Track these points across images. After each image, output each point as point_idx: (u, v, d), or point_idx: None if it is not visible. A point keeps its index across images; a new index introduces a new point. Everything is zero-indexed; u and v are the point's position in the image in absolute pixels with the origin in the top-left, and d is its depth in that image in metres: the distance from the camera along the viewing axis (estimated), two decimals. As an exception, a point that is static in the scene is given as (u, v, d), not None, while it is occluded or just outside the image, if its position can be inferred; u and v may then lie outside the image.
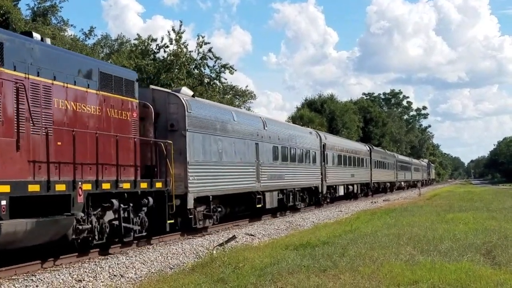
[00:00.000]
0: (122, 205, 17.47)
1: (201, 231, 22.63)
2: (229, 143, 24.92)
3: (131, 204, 18.03)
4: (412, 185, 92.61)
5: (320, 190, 38.54)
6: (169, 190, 19.86)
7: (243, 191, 26.34)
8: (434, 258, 13.88)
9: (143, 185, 18.54)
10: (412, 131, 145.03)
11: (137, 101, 19.09)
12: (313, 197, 38.27)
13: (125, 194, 17.66)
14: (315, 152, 37.81)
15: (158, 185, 19.34)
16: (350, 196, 49.61)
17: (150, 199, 18.95)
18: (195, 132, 21.78)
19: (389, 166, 70.51)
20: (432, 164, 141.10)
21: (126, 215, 17.80)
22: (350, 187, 48.16)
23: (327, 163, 40.27)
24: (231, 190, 24.93)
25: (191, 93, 23.93)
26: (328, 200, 42.23)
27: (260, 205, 27.84)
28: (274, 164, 30.22)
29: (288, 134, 33.39)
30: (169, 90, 22.97)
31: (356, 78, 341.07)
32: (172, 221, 20.06)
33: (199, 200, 22.08)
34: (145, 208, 18.86)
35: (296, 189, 33.71)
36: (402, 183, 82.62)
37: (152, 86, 22.67)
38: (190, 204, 21.29)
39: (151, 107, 20.21)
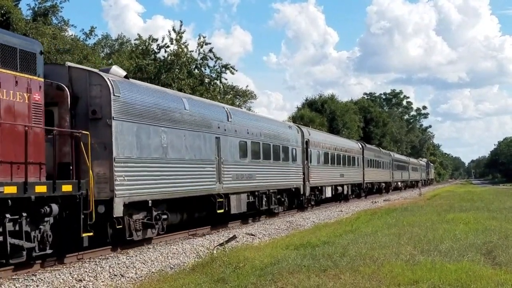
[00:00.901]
0: (8, 216, 13.29)
1: (143, 243, 19.07)
2: (178, 136, 20.60)
3: (24, 214, 13.85)
4: (410, 185, 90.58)
5: (302, 192, 34.49)
6: (84, 194, 15.57)
7: (200, 194, 22.12)
8: (434, 258, 13.87)
9: (40, 189, 14.11)
10: (413, 131, 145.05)
11: (41, 79, 14.95)
12: (296, 200, 34.57)
13: (9, 201, 13.28)
14: (295, 149, 33.65)
15: (66, 188, 14.99)
16: (340, 197, 46.04)
17: (54, 206, 14.66)
18: (125, 121, 17.64)
19: (384, 165, 66.87)
20: (431, 164, 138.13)
21: (16, 228, 13.69)
22: (340, 188, 44.23)
23: (311, 162, 36.66)
24: (180, 193, 20.63)
25: (124, 73, 19.43)
26: (313, 203, 38.53)
27: (222, 210, 23.58)
28: (242, 162, 25.95)
29: (260, 128, 28.90)
30: (91, 69, 18.98)
31: (356, 78, 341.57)
32: (91, 233, 15.70)
33: (135, 206, 18.19)
34: (48, 219, 14.71)
35: (271, 190, 29.30)
36: (399, 183, 79.45)
37: (68, 63, 18.21)
38: (118, 211, 17.03)
39: (67, 89, 16.41)
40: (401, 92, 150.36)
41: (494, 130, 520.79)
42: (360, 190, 53.41)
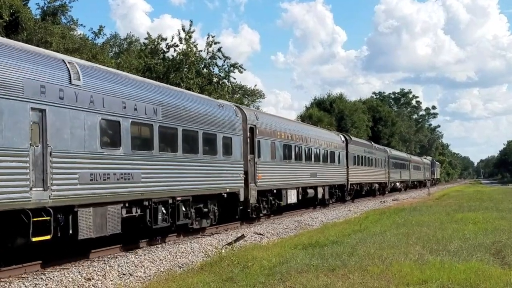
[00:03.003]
0: None
1: None
2: None
3: None
4: (412, 185, 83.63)
5: (242, 199, 25.13)
6: None
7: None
8: (443, 258, 13.85)
9: None
10: (422, 131, 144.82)
11: None
12: (237, 210, 25.25)
13: None
14: (231, 139, 24.30)
15: None
16: (315, 202, 37.93)
17: None
18: None
19: (377, 163, 57.03)
20: (437, 163, 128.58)
21: None
22: (311, 191, 35.04)
23: (259, 157, 27.11)
24: None
25: None
26: (264, 213, 28.27)
27: (47, 237, 13.99)
28: (107, 154, 16.57)
29: (154, 101, 18.85)
30: None
31: (364, 77, 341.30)
32: None
33: None
34: None
35: (179, 198, 20.23)
36: (398, 183, 69.44)
37: None
38: None
39: None
40: (410, 91, 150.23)
41: (503, 130, 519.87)
42: (344, 193, 44.37)
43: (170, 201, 19.68)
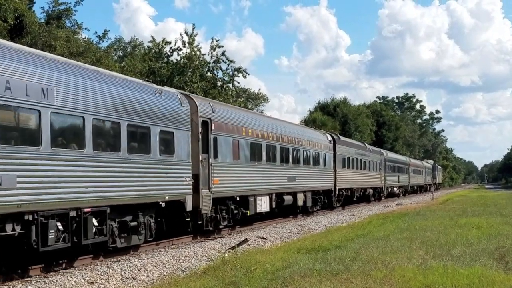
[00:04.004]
0: None
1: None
2: None
3: None
4: (411, 191, 79.25)
5: (190, 208, 20.60)
6: None
7: None
8: (446, 263, 13.83)
9: None
10: (425, 135, 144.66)
11: None
12: (188, 222, 21.14)
13: None
14: (171, 134, 19.64)
15: None
16: (297, 210, 33.67)
17: None
18: None
19: (372, 166, 52.49)
20: (439, 167, 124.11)
21: None
22: (288, 197, 30.64)
23: (215, 157, 22.62)
24: None
25: None
26: (224, 224, 23.82)
27: None
28: None
29: (29, 75, 13.76)
30: None
31: (368, 81, 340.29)
32: None
33: None
34: None
35: (86, 211, 15.37)
36: (395, 188, 65.05)
37: None
38: None
39: None
40: (414, 96, 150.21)
41: (507, 134, 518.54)
42: (333, 199, 39.96)
43: (73, 213, 14.91)
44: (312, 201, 35.23)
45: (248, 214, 25.66)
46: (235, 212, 24.59)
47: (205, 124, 22.09)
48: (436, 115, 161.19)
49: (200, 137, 21.56)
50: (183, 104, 20.73)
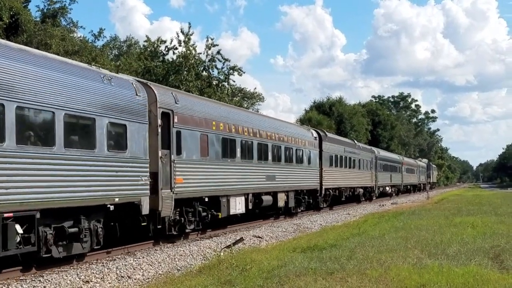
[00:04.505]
0: None
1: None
2: None
3: None
4: (404, 190, 77.07)
5: (147, 211, 18.06)
6: None
7: None
8: (441, 262, 13.85)
9: None
10: (421, 135, 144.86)
11: None
12: (148, 226, 18.73)
13: None
14: (123, 127, 17.22)
15: None
16: (279, 212, 31.36)
17: None
18: None
19: (362, 165, 49.97)
20: (434, 166, 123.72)
21: None
22: (267, 198, 28.22)
23: (179, 153, 20.17)
24: None
25: None
26: (191, 228, 21.37)
27: None
28: None
29: None
30: None
31: (364, 81, 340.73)
32: None
33: None
34: None
35: (6, 216, 12.98)
36: (387, 188, 62.89)
37: None
38: None
39: None
40: (409, 95, 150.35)
41: (502, 134, 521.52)
42: (316, 199, 37.46)
43: None
44: (296, 201, 32.95)
45: (220, 217, 23.20)
46: (204, 214, 22.07)
47: (166, 116, 19.58)
48: (431, 115, 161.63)
49: (159, 130, 19.01)
50: (139, 93, 18.15)
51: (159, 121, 19.06)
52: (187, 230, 21.09)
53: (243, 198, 25.44)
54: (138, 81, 19.25)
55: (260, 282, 12.09)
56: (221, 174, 23.38)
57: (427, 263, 13.72)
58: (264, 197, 27.79)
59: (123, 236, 17.94)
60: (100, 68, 17.48)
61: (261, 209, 28.63)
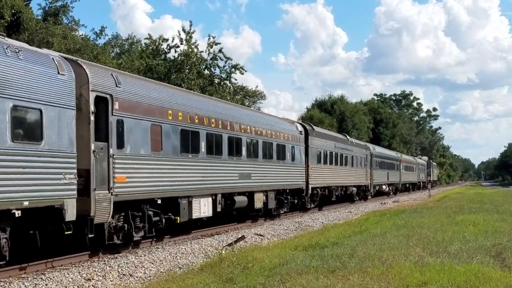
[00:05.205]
0: None
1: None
2: None
3: None
4: (402, 189, 73.80)
5: (73, 217, 14.68)
6: None
7: None
8: (443, 260, 13.85)
9: None
10: (423, 133, 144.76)
11: None
12: (84, 236, 15.61)
13: None
14: (38, 112, 13.99)
15: None
16: (258, 214, 28.36)
17: None
18: None
19: (355, 162, 46.81)
20: (434, 163, 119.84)
21: None
22: (241, 198, 25.03)
23: (120, 147, 16.86)
24: None
25: None
26: (140, 235, 18.12)
27: None
28: None
29: None
30: None
31: (365, 79, 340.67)
32: None
33: None
34: None
35: None
36: (384, 186, 59.91)
37: None
38: None
39: None
40: (411, 93, 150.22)
41: (504, 132, 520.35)
42: (302, 200, 34.22)
43: None
44: (278, 202, 29.73)
45: (179, 221, 19.89)
46: (156, 219, 18.74)
47: (103, 102, 16.20)
48: (433, 113, 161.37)
49: (92, 118, 15.66)
50: (62, 72, 14.72)
51: (92, 107, 15.68)
52: (135, 238, 17.81)
53: (209, 199, 22.21)
54: (64, 57, 15.64)
55: (262, 280, 12.10)
56: (179, 172, 20.01)
57: (428, 261, 13.73)
58: (237, 198, 24.68)
59: (60, 246, 15.44)
60: (6, 38, 14.04)
61: (236, 211, 25.84)
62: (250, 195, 25.98)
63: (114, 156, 16.41)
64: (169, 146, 19.45)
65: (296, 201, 33.03)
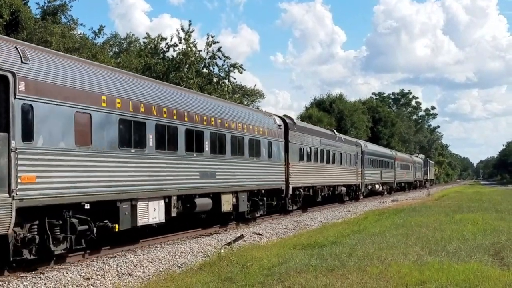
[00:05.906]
0: None
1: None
2: None
3: None
4: (397, 188, 70.12)
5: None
6: None
7: None
8: (442, 259, 13.85)
9: None
10: (421, 131, 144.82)
11: None
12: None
13: None
14: None
15: None
16: (223, 219, 24.71)
17: None
18: None
19: (343, 160, 43.04)
20: (431, 162, 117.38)
21: None
22: (203, 201, 21.64)
23: (29, 139, 13.40)
24: None
25: None
26: (62, 248, 14.68)
27: None
28: None
29: None
30: None
31: (364, 77, 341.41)
32: None
33: None
34: None
35: None
36: (377, 185, 56.41)
37: None
38: None
39: None
40: (409, 92, 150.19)
41: (503, 131, 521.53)
42: (282, 201, 30.67)
43: None
44: (252, 204, 26.47)
45: (117, 230, 16.44)
46: (82, 228, 15.18)
47: (3, 82, 12.86)
48: (431, 111, 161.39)
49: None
50: None
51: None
52: (56, 252, 14.56)
53: (162, 202, 18.86)
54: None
55: (261, 279, 12.09)
56: (117, 170, 16.55)
57: (427, 260, 13.73)
58: (199, 200, 21.33)
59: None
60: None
61: (202, 215, 23.00)
62: (215, 196, 22.77)
63: (18, 151, 12.97)
64: (102, 139, 15.87)
65: (275, 202, 29.47)
